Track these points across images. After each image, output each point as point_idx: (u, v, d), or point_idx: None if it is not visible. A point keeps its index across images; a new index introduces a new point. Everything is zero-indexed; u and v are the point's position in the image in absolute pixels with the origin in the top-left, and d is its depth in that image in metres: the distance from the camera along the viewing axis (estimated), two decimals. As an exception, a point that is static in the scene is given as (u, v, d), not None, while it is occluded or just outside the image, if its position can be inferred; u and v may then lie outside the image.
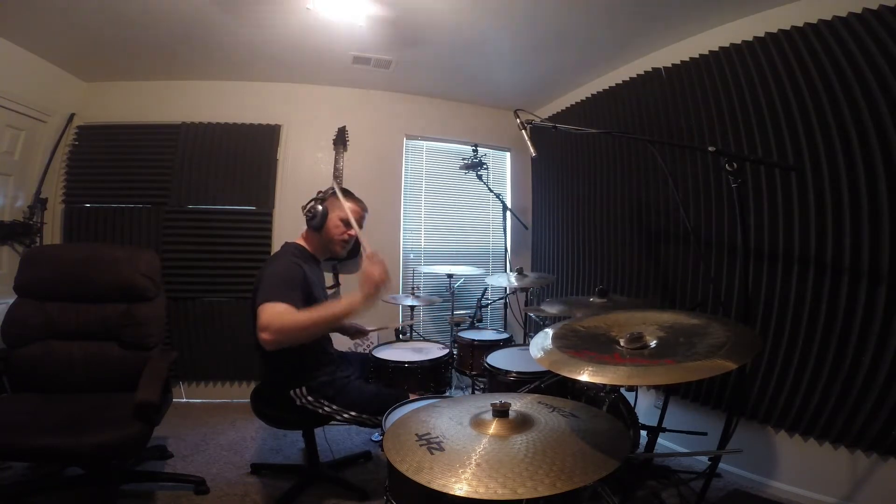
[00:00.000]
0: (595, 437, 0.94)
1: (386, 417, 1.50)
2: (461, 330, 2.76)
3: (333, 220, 1.91)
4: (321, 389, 1.85)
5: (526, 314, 3.12)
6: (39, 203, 2.91)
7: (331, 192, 1.94)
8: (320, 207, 1.90)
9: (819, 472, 1.94)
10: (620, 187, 2.89)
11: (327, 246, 1.96)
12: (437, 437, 0.95)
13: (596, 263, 3.11)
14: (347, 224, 1.90)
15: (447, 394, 2.31)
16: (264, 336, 1.46)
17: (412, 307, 3.13)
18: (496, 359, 2.12)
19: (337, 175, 3.38)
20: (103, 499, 1.90)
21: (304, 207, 1.93)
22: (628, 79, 2.86)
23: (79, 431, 1.61)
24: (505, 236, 3.52)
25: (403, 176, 3.69)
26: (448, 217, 3.87)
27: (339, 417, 1.86)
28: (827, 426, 1.90)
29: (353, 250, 2.08)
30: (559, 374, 1.03)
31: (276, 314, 1.49)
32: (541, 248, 3.77)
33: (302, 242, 1.95)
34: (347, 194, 1.96)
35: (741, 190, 1.48)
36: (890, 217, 1.72)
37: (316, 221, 1.89)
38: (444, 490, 0.79)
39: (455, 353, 2.49)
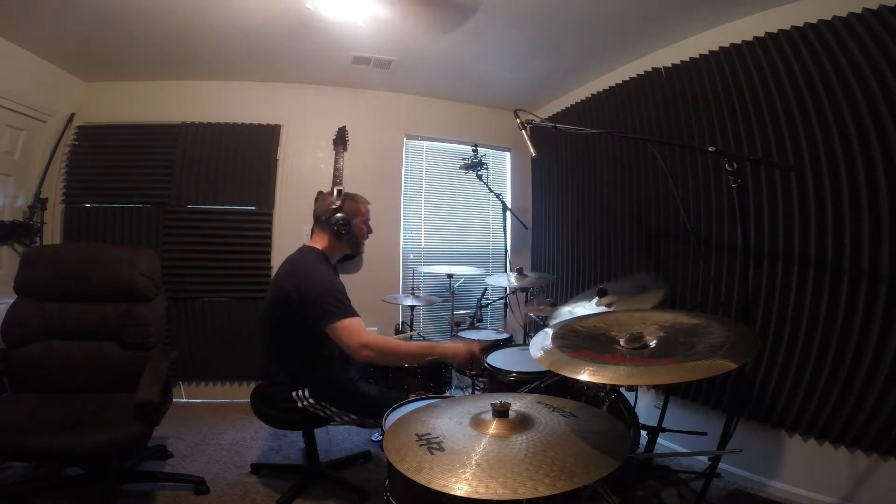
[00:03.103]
0: (595, 437, 0.94)
1: (386, 417, 1.50)
2: (461, 330, 2.76)
3: (358, 225, 1.99)
4: (323, 392, 1.85)
5: (526, 314, 3.12)
6: (39, 203, 2.91)
7: (338, 198, 1.94)
8: (340, 216, 1.91)
9: (819, 472, 1.94)
10: (620, 187, 2.89)
11: (354, 248, 2.05)
12: (437, 437, 0.95)
13: (596, 263, 3.11)
14: (369, 226, 2.06)
15: (447, 394, 2.31)
16: (365, 353, 1.70)
17: (412, 307, 3.14)
18: (496, 359, 2.12)
19: (337, 175, 3.38)
20: (103, 499, 1.90)
21: (327, 221, 1.92)
22: (628, 79, 2.86)
23: (79, 431, 1.62)
24: (505, 236, 3.51)
25: (403, 176, 3.69)
26: (448, 217, 3.87)
27: (338, 419, 1.87)
28: (827, 426, 1.90)
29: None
30: (559, 374, 1.03)
31: (366, 333, 1.72)
32: (541, 248, 3.77)
33: (319, 247, 1.95)
34: (353, 195, 2.02)
35: (741, 190, 1.48)
36: (890, 217, 1.72)
37: (348, 234, 1.94)
38: (444, 490, 0.79)
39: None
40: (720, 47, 2.30)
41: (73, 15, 2.37)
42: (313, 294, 1.73)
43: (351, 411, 1.86)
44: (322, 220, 1.94)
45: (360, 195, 2.04)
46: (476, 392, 2.46)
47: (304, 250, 1.93)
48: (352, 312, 1.74)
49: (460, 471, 0.82)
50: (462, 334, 2.60)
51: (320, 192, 2.02)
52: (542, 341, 1.19)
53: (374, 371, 2.20)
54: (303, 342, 1.84)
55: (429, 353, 1.85)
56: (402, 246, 3.67)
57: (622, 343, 1.10)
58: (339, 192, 1.95)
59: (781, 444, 2.07)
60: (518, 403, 1.09)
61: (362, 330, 1.72)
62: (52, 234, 3.09)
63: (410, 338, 2.70)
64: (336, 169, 3.39)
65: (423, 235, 3.79)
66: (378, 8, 2.35)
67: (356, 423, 1.89)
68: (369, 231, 2.07)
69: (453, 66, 3.15)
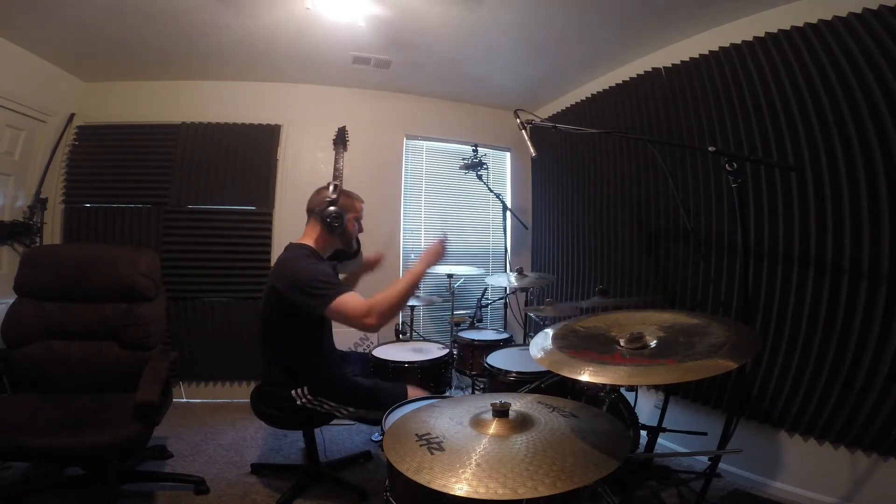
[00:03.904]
0: (595, 437, 0.94)
1: (386, 417, 1.50)
2: (461, 330, 2.76)
3: (350, 221, 1.99)
4: (322, 388, 1.86)
5: (526, 314, 3.13)
6: (39, 203, 2.91)
7: (333, 192, 1.94)
8: (333, 209, 1.91)
9: (819, 472, 1.94)
10: (620, 187, 2.89)
11: (345, 243, 2.03)
12: (437, 437, 0.95)
13: (596, 263, 3.11)
14: (360, 224, 2.06)
15: (447, 394, 2.31)
16: (369, 321, 1.65)
17: (412, 307, 3.14)
18: (496, 359, 2.12)
19: (337, 175, 3.38)
20: (103, 499, 1.90)
21: (320, 213, 1.92)
22: (628, 79, 2.86)
23: (79, 431, 1.62)
24: (505, 236, 3.51)
25: (403, 176, 3.69)
26: (448, 217, 3.87)
27: (338, 414, 1.87)
28: (827, 426, 1.90)
29: (356, 251, 2.13)
30: (559, 375, 1.03)
31: (363, 301, 1.68)
32: (541, 248, 3.77)
33: (308, 242, 1.94)
34: (349, 192, 2.02)
35: (741, 190, 1.48)
36: (890, 217, 1.72)
37: (339, 227, 1.93)
38: (444, 490, 0.79)
39: (455, 353, 2.49)
40: (720, 47, 2.30)
41: (73, 15, 2.37)
42: (302, 285, 1.72)
43: (349, 404, 1.87)
44: (315, 211, 1.94)
45: (355, 192, 2.05)
46: (476, 392, 2.47)
47: (290, 248, 1.92)
48: (343, 289, 1.72)
49: (460, 471, 0.82)
50: (462, 334, 2.60)
51: (319, 190, 2.02)
52: (543, 342, 1.19)
53: (374, 370, 2.20)
54: (300, 341, 1.85)
55: (418, 279, 1.78)
56: (402, 246, 3.67)
57: (622, 343, 1.10)
58: (335, 186, 1.96)
59: (781, 444, 2.07)
60: (518, 403, 1.09)
61: (358, 302, 1.69)
62: (52, 234, 3.09)
63: (411, 337, 2.70)
64: (336, 169, 3.39)
65: (423, 235, 3.78)
66: (378, 8, 2.35)
67: (355, 417, 1.89)
68: (360, 229, 2.07)
69: (453, 66, 3.15)
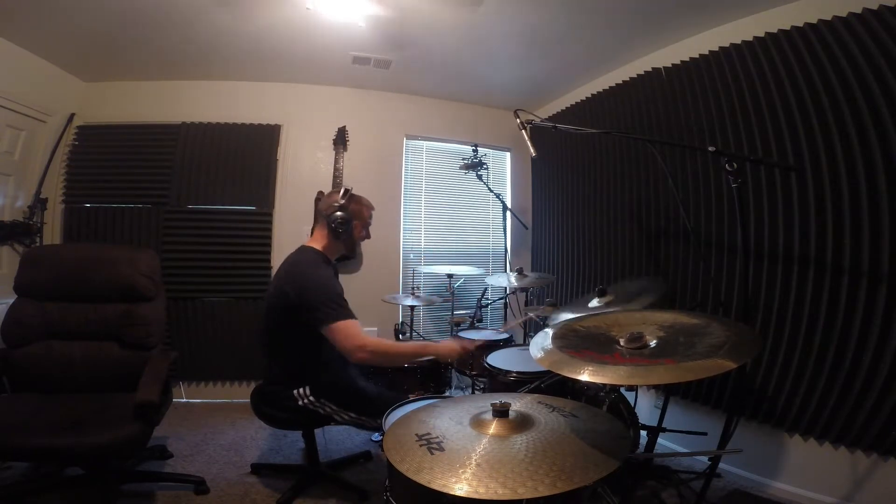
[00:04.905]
0: (595, 437, 0.94)
1: (386, 417, 1.50)
2: (461, 330, 2.76)
3: (357, 228, 1.98)
4: (324, 390, 1.86)
5: (526, 314, 3.12)
6: (39, 203, 2.91)
7: (343, 198, 1.93)
8: (340, 214, 1.90)
9: (819, 472, 1.94)
10: (620, 187, 2.89)
11: (349, 249, 2.03)
12: (437, 437, 0.95)
13: (596, 263, 3.11)
14: (368, 231, 2.06)
15: (447, 394, 2.31)
16: (361, 355, 1.70)
17: (412, 307, 3.13)
18: (496, 359, 2.12)
19: (337, 175, 3.38)
20: (103, 499, 1.90)
21: (327, 217, 1.92)
22: (628, 79, 2.86)
23: (79, 431, 1.62)
24: (505, 236, 3.51)
25: (403, 176, 3.69)
26: (448, 217, 3.87)
27: (338, 418, 1.87)
28: (827, 426, 1.90)
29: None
30: (559, 374, 1.03)
31: (362, 336, 1.73)
32: (541, 248, 3.77)
33: (318, 247, 1.94)
34: (359, 198, 2.01)
35: (741, 190, 1.48)
36: (890, 217, 1.72)
37: (345, 233, 1.93)
38: (444, 490, 0.79)
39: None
40: (720, 47, 2.30)
41: (73, 15, 2.37)
42: (312, 297, 1.73)
43: (350, 409, 1.87)
44: (323, 216, 1.94)
45: (366, 199, 2.04)
46: (476, 392, 2.46)
47: (303, 251, 1.92)
48: (348, 315, 1.75)
49: (460, 471, 0.82)
50: (462, 334, 2.59)
51: (321, 192, 2.02)
52: (542, 341, 1.19)
53: (374, 371, 2.20)
54: (304, 343, 1.85)
55: (422, 353, 1.87)
56: (402, 246, 3.67)
57: (622, 343, 1.10)
58: (346, 191, 1.95)
59: (781, 444, 2.07)
60: (518, 403, 1.09)
61: (358, 332, 1.73)
62: (52, 234, 3.09)
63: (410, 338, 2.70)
64: (336, 169, 3.39)
65: (423, 235, 3.78)
66: (378, 8, 2.35)
67: (354, 423, 1.89)
68: (367, 236, 2.07)
69: (453, 66, 3.15)
